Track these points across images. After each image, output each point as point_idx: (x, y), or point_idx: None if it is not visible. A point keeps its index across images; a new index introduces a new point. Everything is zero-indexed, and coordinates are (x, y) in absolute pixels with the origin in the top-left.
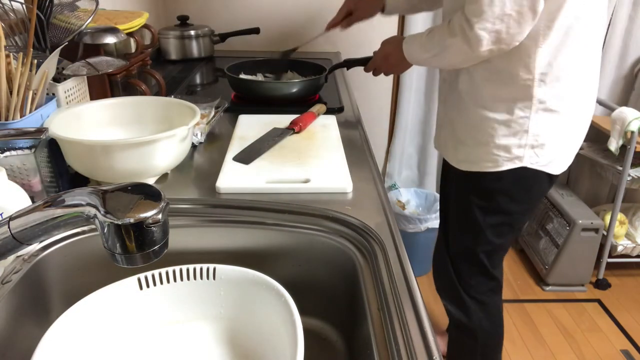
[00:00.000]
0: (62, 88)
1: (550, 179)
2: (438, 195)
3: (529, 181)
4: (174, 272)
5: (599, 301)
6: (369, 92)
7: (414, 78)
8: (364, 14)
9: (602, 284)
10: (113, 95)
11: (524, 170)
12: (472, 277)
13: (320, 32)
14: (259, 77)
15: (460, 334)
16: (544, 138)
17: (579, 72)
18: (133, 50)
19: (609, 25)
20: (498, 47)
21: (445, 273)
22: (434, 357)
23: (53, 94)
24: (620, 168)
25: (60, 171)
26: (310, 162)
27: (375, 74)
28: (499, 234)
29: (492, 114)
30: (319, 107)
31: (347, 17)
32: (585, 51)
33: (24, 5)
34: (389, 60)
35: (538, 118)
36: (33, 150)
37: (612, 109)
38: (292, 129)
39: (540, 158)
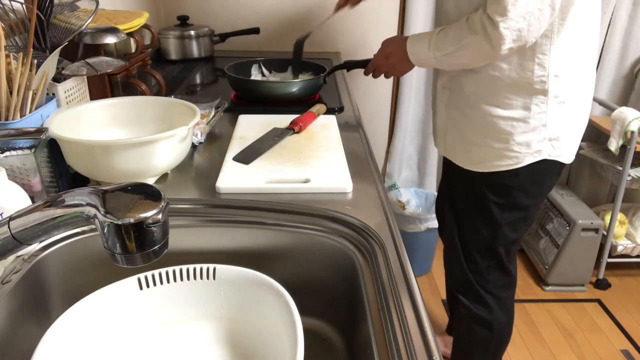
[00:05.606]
0: (62, 88)
1: (560, 170)
2: None
3: (543, 174)
4: (174, 272)
5: (599, 301)
6: (369, 92)
7: (414, 78)
8: None
9: (602, 284)
10: (113, 95)
11: (540, 164)
12: (490, 272)
13: (329, 15)
14: (270, 76)
15: (475, 326)
16: (560, 130)
17: (585, 63)
18: (133, 50)
19: (609, 25)
20: (518, 45)
21: (461, 271)
22: (434, 357)
23: (53, 94)
24: (620, 168)
25: (60, 171)
26: (310, 162)
27: (376, 75)
28: (515, 228)
29: (508, 112)
30: (319, 107)
31: None
32: (589, 42)
33: (24, 5)
34: (390, 60)
35: (554, 112)
36: (33, 150)
37: (612, 109)
38: (292, 129)
39: (556, 149)
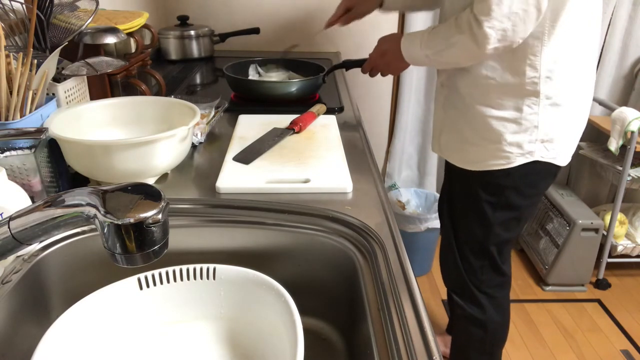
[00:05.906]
0: (62, 88)
1: (555, 172)
2: (438, 195)
3: (537, 175)
4: (174, 272)
5: (599, 301)
6: (369, 92)
7: (414, 78)
8: (362, 9)
9: (602, 284)
10: (113, 95)
11: (533, 165)
12: (483, 272)
13: (319, 30)
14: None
15: (470, 326)
16: (553, 132)
17: (581, 65)
18: (133, 50)
19: (609, 25)
20: (503, 45)
21: (456, 271)
22: (434, 357)
23: (53, 94)
24: (620, 168)
25: (60, 171)
26: (310, 162)
27: (372, 74)
28: (507, 228)
29: (500, 112)
30: (319, 107)
31: (346, 14)
32: (586, 44)
33: (24, 5)
34: (385, 58)
35: (546, 113)
36: (33, 150)
37: (612, 109)
38: (292, 129)
39: (549, 151)
